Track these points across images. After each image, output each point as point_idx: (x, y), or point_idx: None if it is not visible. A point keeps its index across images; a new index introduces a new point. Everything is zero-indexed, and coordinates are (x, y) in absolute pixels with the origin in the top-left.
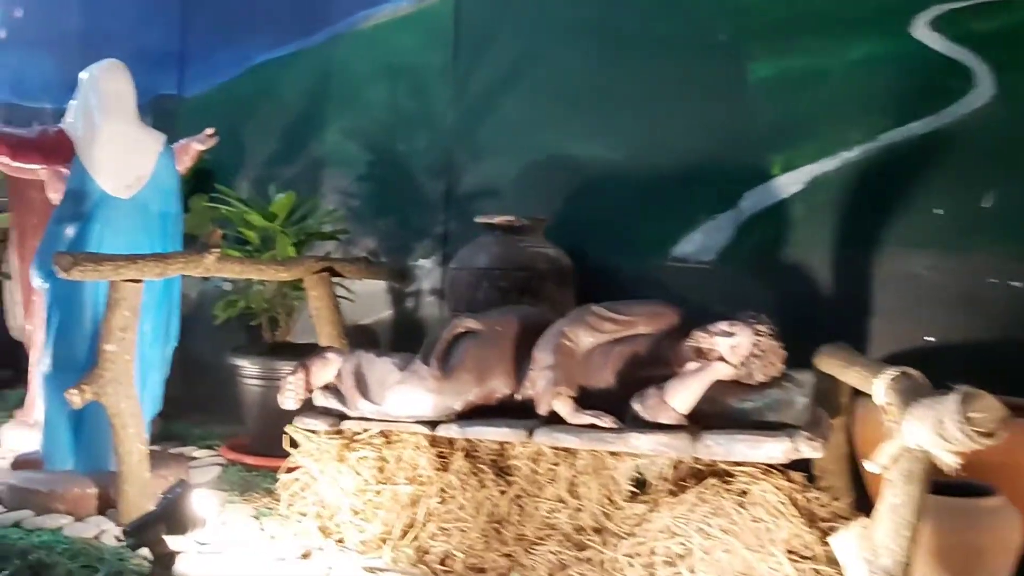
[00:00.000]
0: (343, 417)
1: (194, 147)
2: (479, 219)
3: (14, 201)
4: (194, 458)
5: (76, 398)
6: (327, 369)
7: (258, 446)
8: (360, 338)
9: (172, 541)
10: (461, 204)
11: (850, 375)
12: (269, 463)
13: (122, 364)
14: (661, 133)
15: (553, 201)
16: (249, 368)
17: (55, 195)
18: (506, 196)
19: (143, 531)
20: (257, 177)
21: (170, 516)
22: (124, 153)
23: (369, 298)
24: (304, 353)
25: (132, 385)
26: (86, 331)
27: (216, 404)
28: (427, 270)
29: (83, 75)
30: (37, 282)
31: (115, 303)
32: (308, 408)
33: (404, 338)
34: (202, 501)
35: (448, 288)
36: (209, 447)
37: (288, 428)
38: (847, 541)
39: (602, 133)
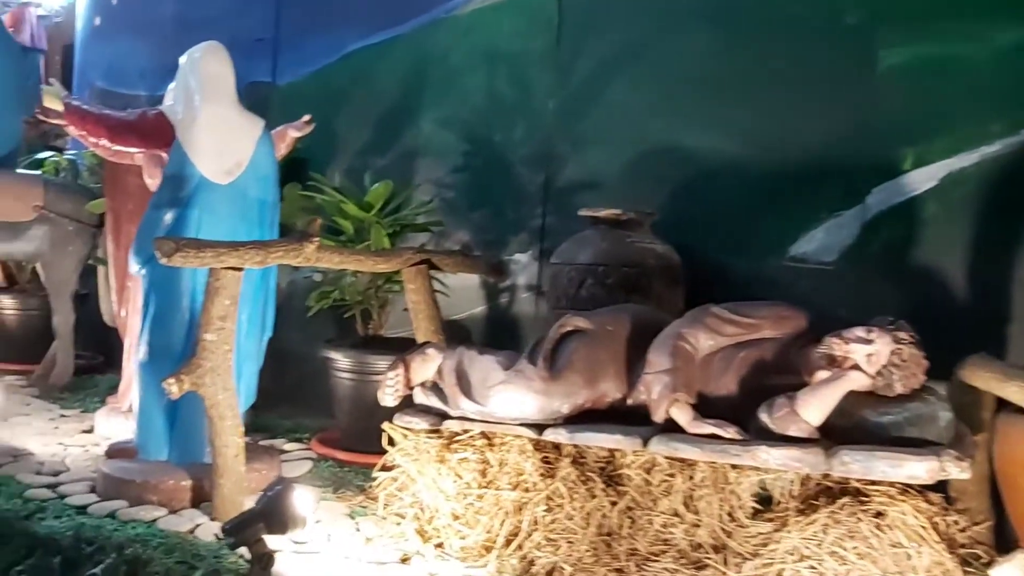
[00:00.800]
0: (444, 416)
1: (291, 134)
2: (583, 212)
3: (110, 186)
4: (284, 451)
5: (174, 388)
6: (427, 366)
7: (349, 441)
8: (452, 334)
9: (271, 540)
10: (560, 197)
11: (1010, 390)
12: (361, 459)
13: (221, 354)
14: (781, 124)
15: (660, 195)
16: (342, 361)
17: (152, 180)
18: (609, 189)
19: (243, 529)
20: (349, 167)
21: (270, 514)
22: (224, 137)
23: (462, 292)
24: (398, 347)
25: (230, 376)
26: (183, 319)
27: (305, 396)
28: (523, 265)
29: (183, 57)
30: (134, 268)
31: (215, 291)
32: (407, 405)
33: (498, 335)
34: (302, 499)
35: (549, 284)
36: (298, 440)
37: (385, 425)
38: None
39: (717, 123)
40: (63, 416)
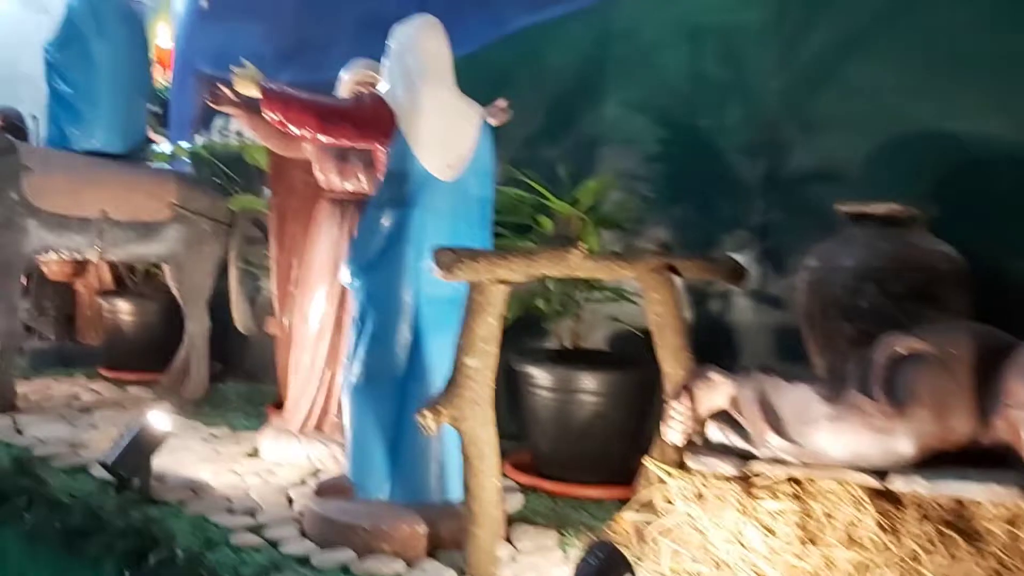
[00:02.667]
0: (746, 456)
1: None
2: (844, 207)
3: (275, 182)
4: None
5: (431, 422)
6: (713, 394)
7: (549, 467)
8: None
9: None
10: (787, 189)
11: None
12: (570, 490)
13: (483, 382)
14: None
15: (919, 188)
16: (540, 377)
17: (323, 176)
18: (850, 181)
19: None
20: (514, 158)
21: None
22: (447, 127)
23: None
24: (603, 362)
25: (490, 407)
26: (405, 338)
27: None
28: None
29: (396, 34)
30: (346, 278)
31: (479, 308)
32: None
33: (707, 348)
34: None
35: (807, 290)
36: None
37: (649, 462)
38: None
39: (999, 107)
40: (214, 436)
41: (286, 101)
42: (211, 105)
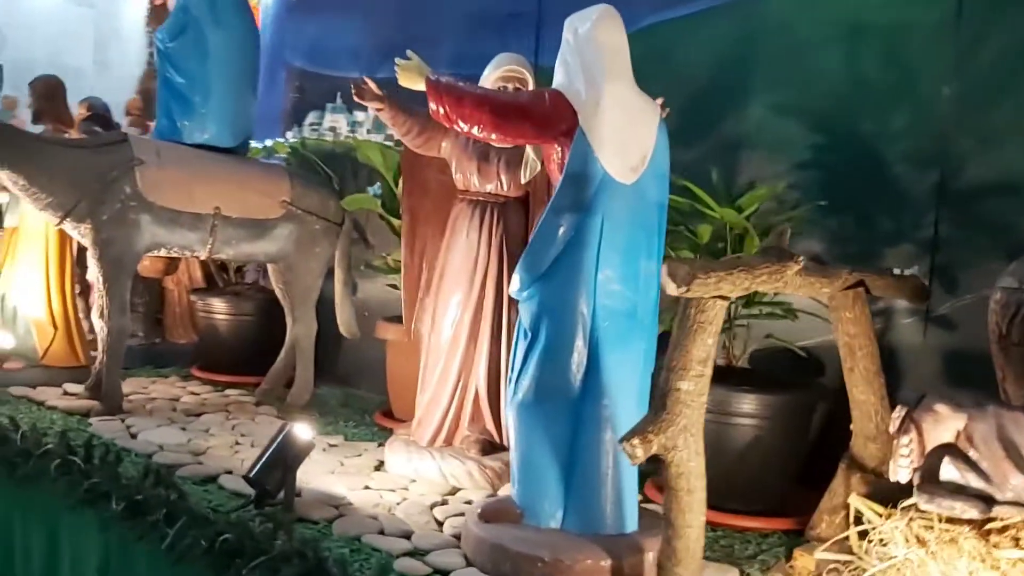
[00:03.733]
0: (984, 499)
1: None
2: None
3: (408, 182)
4: None
5: (639, 451)
6: (939, 428)
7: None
8: (804, 366)
9: None
10: (961, 202)
11: None
12: (732, 521)
13: (697, 408)
14: None
15: None
16: None
17: (460, 176)
18: None
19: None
20: None
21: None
22: (629, 127)
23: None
24: (760, 383)
25: (702, 437)
26: (579, 353)
27: None
28: None
29: (571, 24)
30: (516, 288)
31: (699, 327)
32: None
33: None
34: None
35: (1001, 313)
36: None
37: (856, 501)
38: None
39: None
40: (332, 446)
41: (458, 95)
42: (355, 98)
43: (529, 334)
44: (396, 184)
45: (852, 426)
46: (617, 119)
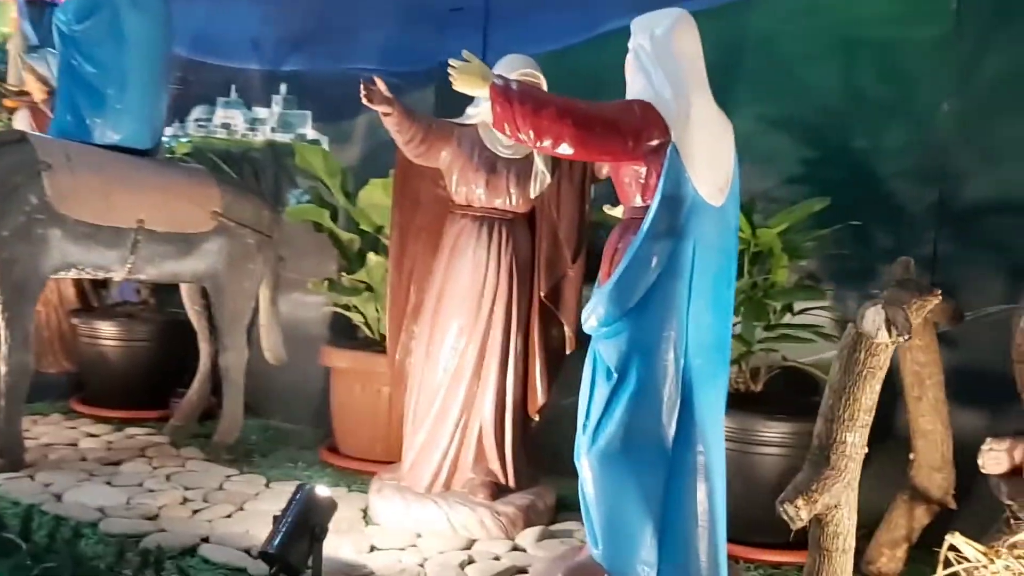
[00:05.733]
0: None
1: None
2: None
3: (398, 194)
4: None
5: (803, 512)
6: None
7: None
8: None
9: None
10: (961, 221)
11: None
12: (771, 556)
13: (859, 462)
14: None
15: None
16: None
17: (465, 189)
18: None
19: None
20: None
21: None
22: (715, 144)
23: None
24: (788, 410)
25: (856, 491)
26: (673, 394)
27: None
28: None
29: (644, 28)
30: (595, 323)
31: (870, 372)
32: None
33: None
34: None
35: None
36: None
37: (952, 539)
38: None
39: None
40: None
41: (537, 104)
42: (363, 100)
43: (615, 375)
44: (345, 193)
45: (913, 456)
46: (706, 136)
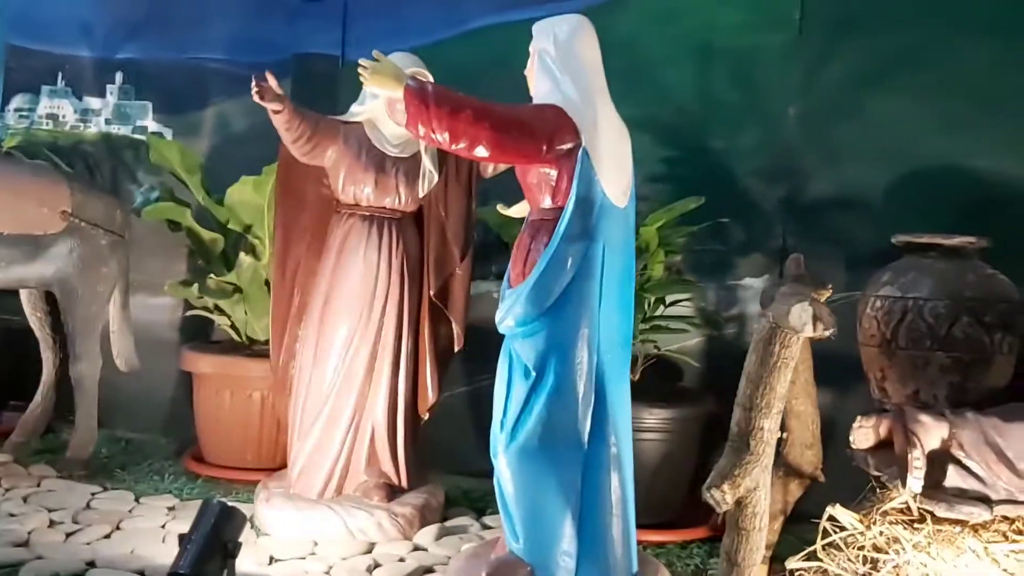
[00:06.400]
0: (984, 500)
1: None
2: (902, 237)
3: (282, 193)
4: None
5: (728, 496)
6: (928, 438)
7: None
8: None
9: None
10: (807, 216)
11: None
12: (655, 537)
13: (772, 448)
14: None
15: (943, 221)
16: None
17: (352, 188)
18: (872, 209)
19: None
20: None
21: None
22: (618, 147)
23: None
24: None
25: (771, 473)
26: (588, 391)
27: None
28: (756, 291)
29: (545, 32)
30: (513, 322)
31: (784, 363)
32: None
33: (721, 372)
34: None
35: (883, 320)
36: None
37: (833, 510)
38: None
39: (1013, 145)
40: (171, 508)
41: (454, 107)
42: (255, 98)
43: (533, 373)
44: (206, 191)
45: (786, 435)
46: (612, 139)
